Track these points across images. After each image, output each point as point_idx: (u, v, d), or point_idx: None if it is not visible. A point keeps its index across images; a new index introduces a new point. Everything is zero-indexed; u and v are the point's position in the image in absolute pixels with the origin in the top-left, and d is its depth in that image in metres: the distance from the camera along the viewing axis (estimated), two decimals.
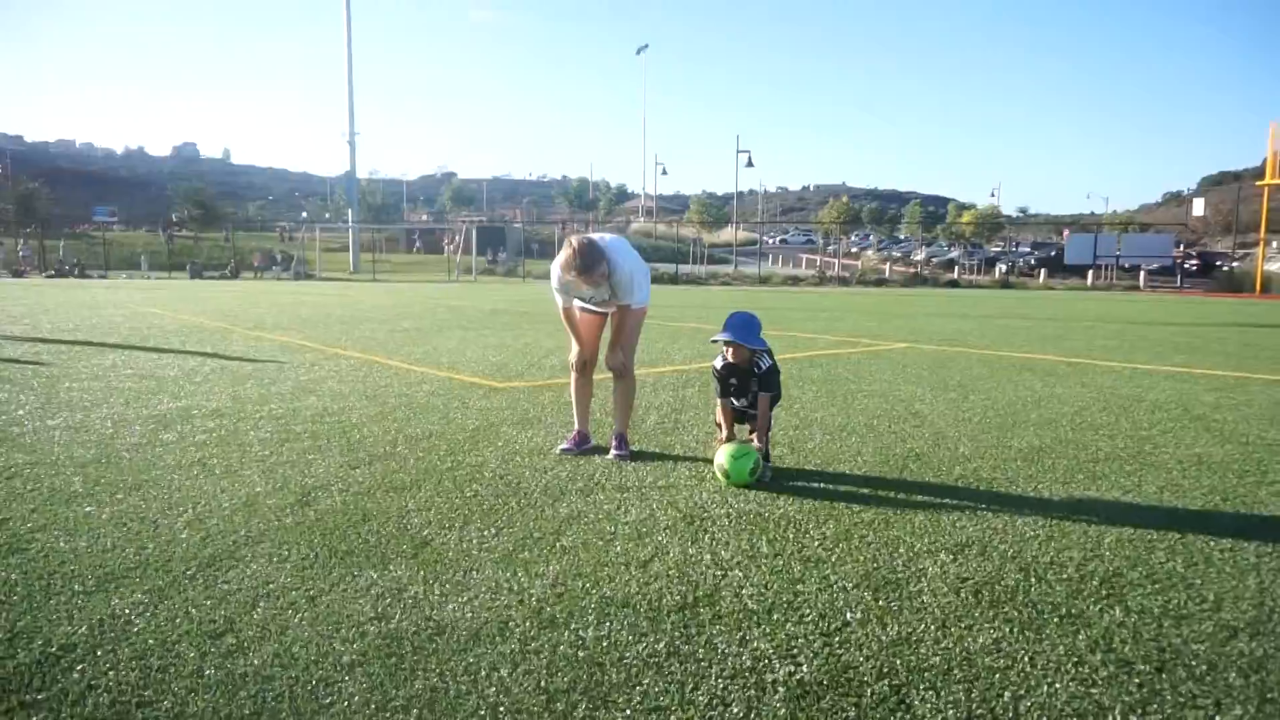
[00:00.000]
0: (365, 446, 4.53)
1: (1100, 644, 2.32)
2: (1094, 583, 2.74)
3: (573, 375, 4.65)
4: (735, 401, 4.22)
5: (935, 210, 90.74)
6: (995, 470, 4.17)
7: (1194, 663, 2.22)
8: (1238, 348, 10.62)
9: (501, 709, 1.97)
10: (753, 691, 2.06)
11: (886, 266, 44.90)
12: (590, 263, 4.10)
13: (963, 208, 70.32)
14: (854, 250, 61.69)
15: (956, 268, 46.97)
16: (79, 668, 2.13)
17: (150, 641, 2.27)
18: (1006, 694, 2.05)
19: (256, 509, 3.43)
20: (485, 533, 3.18)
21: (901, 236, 77.67)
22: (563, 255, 4.15)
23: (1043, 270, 41.88)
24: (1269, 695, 2.07)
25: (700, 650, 2.26)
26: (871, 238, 75.21)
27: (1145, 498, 3.74)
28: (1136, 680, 2.13)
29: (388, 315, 14.37)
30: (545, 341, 10.11)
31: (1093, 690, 2.08)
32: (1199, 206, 41.40)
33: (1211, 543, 3.13)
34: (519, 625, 2.39)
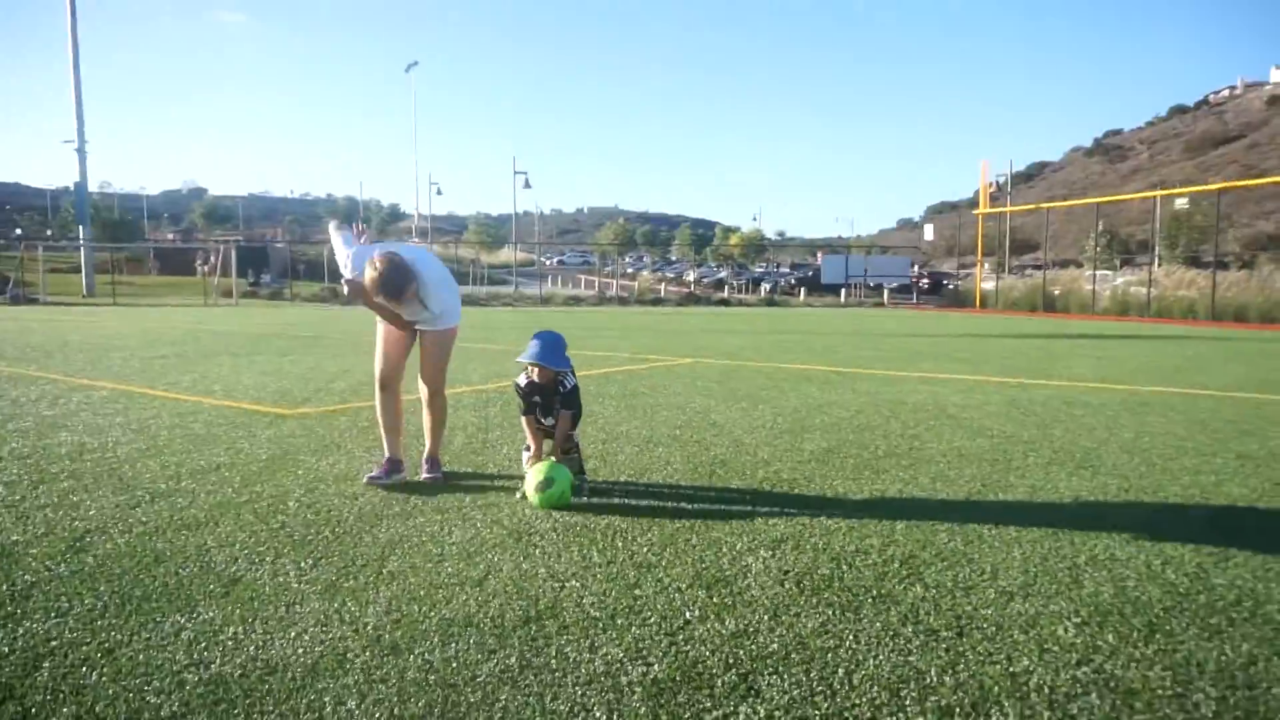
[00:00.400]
0: (142, 484, 4.08)
1: (909, 617, 2.57)
2: (895, 565, 3.03)
3: (377, 393, 4.38)
4: (542, 420, 4.21)
5: (704, 234, 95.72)
6: (794, 471, 4.49)
7: (985, 625, 2.52)
8: (969, 354, 12.07)
9: None
10: (610, 694, 2.09)
11: (662, 286, 46.71)
12: (399, 285, 3.95)
13: (729, 231, 74.61)
14: (629, 271, 63.60)
15: (726, 287, 49.75)
16: None
17: None
18: (840, 670, 2.23)
19: (18, 560, 3.00)
20: (301, 564, 2.98)
21: (673, 258, 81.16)
22: (367, 276, 3.97)
23: (802, 289, 45.36)
24: (1046, 646, 2.39)
25: (552, 661, 2.26)
26: (645, 259, 77.99)
27: (922, 488, 4.17)
28: (943, 645, 2.38)
29: (140, 342, 12.98)
30: (328, 365, 9.59)
31: (910, 658, 2.30)
32: (929, 232, 46.90)
33: (981, 523, 3.56)
34: (359, 655, 2.27)
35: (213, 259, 46.34)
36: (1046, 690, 2.14)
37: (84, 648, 2.31)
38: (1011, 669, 2.25)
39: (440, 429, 4.42)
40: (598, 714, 2.00)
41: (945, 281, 47.14)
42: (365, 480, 4.16)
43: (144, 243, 61.56)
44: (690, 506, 3.79)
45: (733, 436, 5.44)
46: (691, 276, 57.50)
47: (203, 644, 2.34)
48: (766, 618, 2.55)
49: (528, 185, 44.19)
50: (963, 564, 3.05)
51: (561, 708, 2.03)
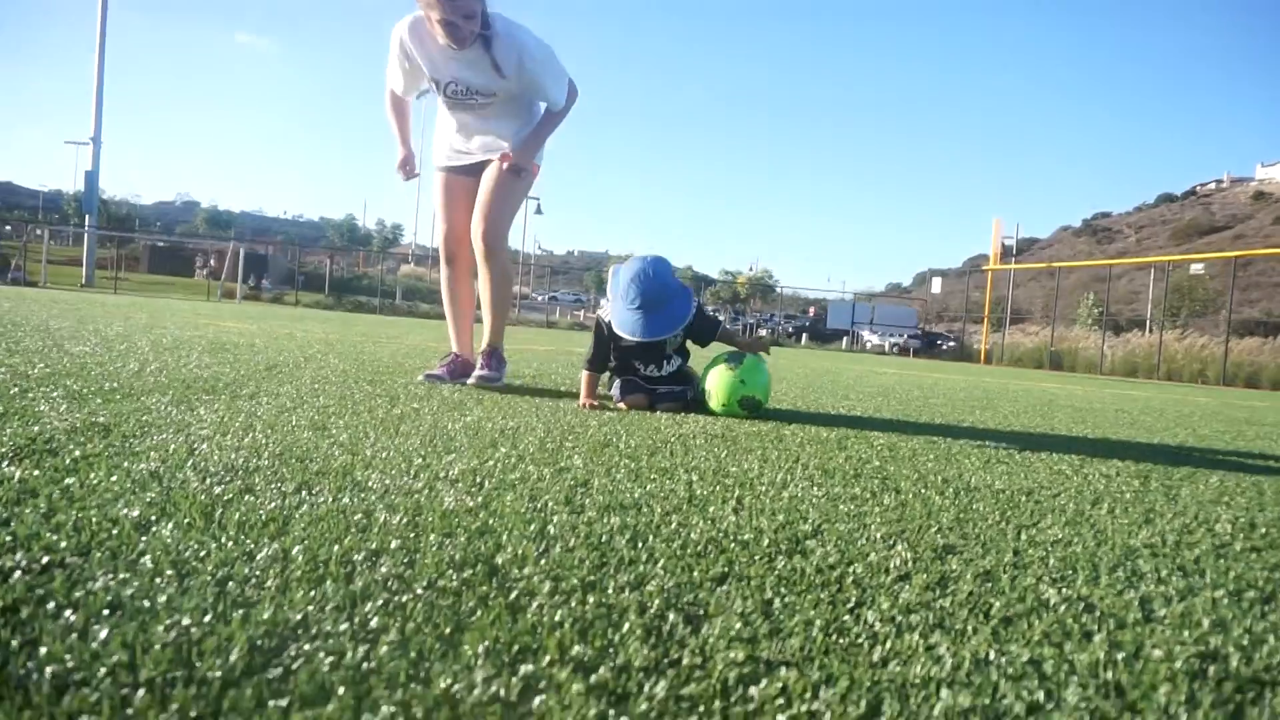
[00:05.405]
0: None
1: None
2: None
3: (442, 268, 3.55)
4: (644, 375, 3.14)
5: (703, 275, 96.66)
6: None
7: None
8: (1027, 404, 12.06)
9: None
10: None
11: None
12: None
13: (730, 274, 75.09)
14: None
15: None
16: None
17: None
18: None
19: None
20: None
21: None
22: None
23: (803, 335, 45.68)
24: None
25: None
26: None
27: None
28: None
29: (250, 346, 12.70)
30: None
31: None
32: (937, 285, 47.46)
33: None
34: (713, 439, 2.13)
35: (213, 261, 45.89)
36: None
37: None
38: None
39: (500, 306, 3.43)
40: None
41: (938, 341, 47.65)
42: (422, 377, 3.50)
43: (148, 235, 60.94)
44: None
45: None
46: None
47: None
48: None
49: (539, 211, 44.38)
50: None
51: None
